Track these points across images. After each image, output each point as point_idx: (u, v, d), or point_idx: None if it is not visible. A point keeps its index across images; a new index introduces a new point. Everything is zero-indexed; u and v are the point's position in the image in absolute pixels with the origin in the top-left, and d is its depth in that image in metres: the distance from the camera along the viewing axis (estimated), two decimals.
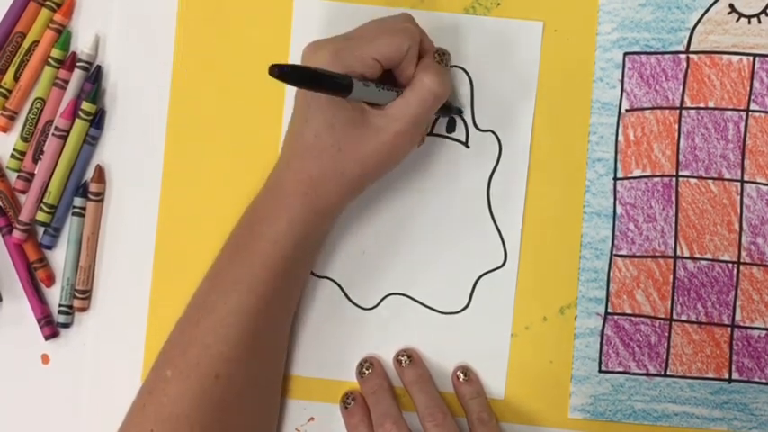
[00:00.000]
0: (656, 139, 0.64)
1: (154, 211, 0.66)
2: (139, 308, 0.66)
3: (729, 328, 0.64)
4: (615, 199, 0.65)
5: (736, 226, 0.64)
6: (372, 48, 0.57)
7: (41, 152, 0.66)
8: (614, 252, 0.65)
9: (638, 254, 0.65)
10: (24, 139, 0.66)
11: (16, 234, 0.66)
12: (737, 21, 0.64)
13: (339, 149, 0.57)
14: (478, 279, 0.65)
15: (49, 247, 0.67)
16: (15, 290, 0.67)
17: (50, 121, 0.66)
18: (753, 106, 0.64)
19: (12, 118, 0.67)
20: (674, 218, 0.64)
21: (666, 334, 0.65)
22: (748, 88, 0.64)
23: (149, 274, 0.66)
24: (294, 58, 0.65)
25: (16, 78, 0.66)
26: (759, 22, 0.64)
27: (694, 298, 0.64)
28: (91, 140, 0.66)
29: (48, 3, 0.66)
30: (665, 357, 0.64)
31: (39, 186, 0.66)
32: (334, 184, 0.58)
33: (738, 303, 0.64)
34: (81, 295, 0.66)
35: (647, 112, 0.64)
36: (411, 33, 0.58)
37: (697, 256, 0.64)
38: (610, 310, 0.65)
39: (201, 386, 0.57)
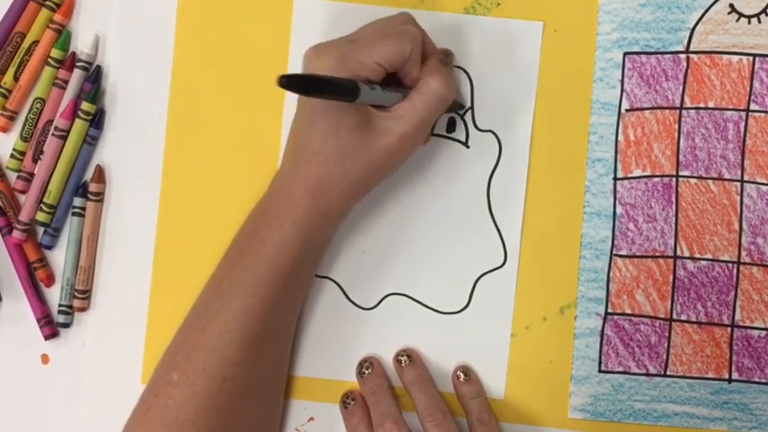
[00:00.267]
0: (656, 139, 0.64)
1: (154, 211, 0.66)
2: (139, 308, 0.66)
3: (729, 328, 0.64)
4: (615, 199, 0.65)
5: (736, 226, 0.64)
6: (375, 52, 0.57)
7: (41, 152, 0.66)
8: (614, 252, 0.65)
9: (638, 254, 0.65)
10: (24, 139, 0.66)
11: (16, 234, 0.66)
12: (737, 21, 0.64)
13: (345, 153, 0.57)
14: (478, 279, 0.65)
15: (49, 247, 0.67)
16: (15, 290, 0.67)
17: (50, 121, 0.66)
18: (753, 106, 0.64)
19: (12, 118, 0.67)
20: (674, 218, 0.64)
21: (666, 334, 0.65)
22: (748, 88, 0.64)
23: (149, 274, 0.66)
24: (294, 59, 0.65)
25: (16, 78, 0.66)
26: (759, 22, 0.64)
27: (694, 298, 0.64)
28: (91, 140, 0.66)
29: (48, 3, 0.66)
30: (665, 357, 0.65)
31: (39, 186, 0.66)
32: (341, 188, 0.58)
33: (738, 303, 0.64)
34: (81, 295, 0.66)
35: (647, 112, 0.64)
36: (412, 36, 0.58)
37: (697, 256, 0.64)
38: (610, 310, 0.65)
39: (208, 390, 0.57)
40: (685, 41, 0.64)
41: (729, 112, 0.64)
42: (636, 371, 0.65)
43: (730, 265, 0.64)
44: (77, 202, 0.66)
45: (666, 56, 0.64)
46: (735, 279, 0.64)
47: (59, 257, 0.67)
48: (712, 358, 0.64)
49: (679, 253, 0.64)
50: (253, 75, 0.65)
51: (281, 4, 0.65)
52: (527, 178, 0.65)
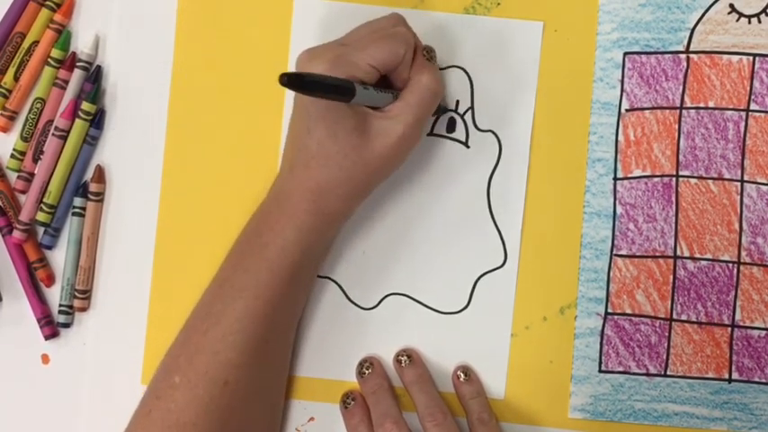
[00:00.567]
0: (656, 139, 0.64)
1: (154, 211, 0.66)
2: (139, 308, 0.66)
3: (729, 328, 0.64)
4: (615, 199, 0.65)
5: (736, 226, 0.64)
6: (368, 55, 0.57)
7: (41, 152, 0.66)
8: (614, 252, 0.65)
9: (638, 254, 0.65)
10: (24, 139, 0.66)
11: (16, 234, 0.66)
12: (737, 21, 0.64)
13: (344, 156, 0.57)
14: (478, 279, 0.65)
15: (49, 247, 0.67)
16: (15, 290, 0.67)
17: (50, 121, 0.66)
18: (753, 106, 0.64)
19: (12, 118, 0.67)
20: (674, 218, 0.64)
21: (666, 334, 0.65)
22: (748, 88, 0.64)
23: (149, 274, 0.66)
24: (294, 59, 0.65)
25: (16, 78, 0.66)
26: (759, 22, 0.64)
27: (694, 298, 0.64)
28: (91, 140, 0.66)
29: (48, 3, 0.66)
30: (665, 357, 0.64)
31: (39, 186, 0.66)
32: (341, 191, 0.58)
33: (738, 303, 0.64)
34: (81, 295, 0.66)
35: (647, 111, 0.64)
36: (405, 38, 0.58)
37: (697, 256, 0.64)
38: (610, 310, 0.65)
39: (210, 393, 0.57)
40: (685, 41, 0.64)
41: (729, 112, 0.64)
42: (636, 371, 0.65)
43: (730, 265, 0.64)
44: (77, 202, 0.66)
45: (666, 56, 0.64)
46: (735, 279, 0.64)
47: (59, 257, 0.67)
48: (712, 358, 0.64)
49: (679, 253, 0.64)
50: (253, 75, 0.65)
51: (281, 4, 0.65)
52: (527, 178, 0.65)
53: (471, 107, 0.65)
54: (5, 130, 0.67)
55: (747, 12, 0.64)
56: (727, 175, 0.64)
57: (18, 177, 0.67)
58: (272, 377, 0.62)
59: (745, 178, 0.64)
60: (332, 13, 0.65)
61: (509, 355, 0.65)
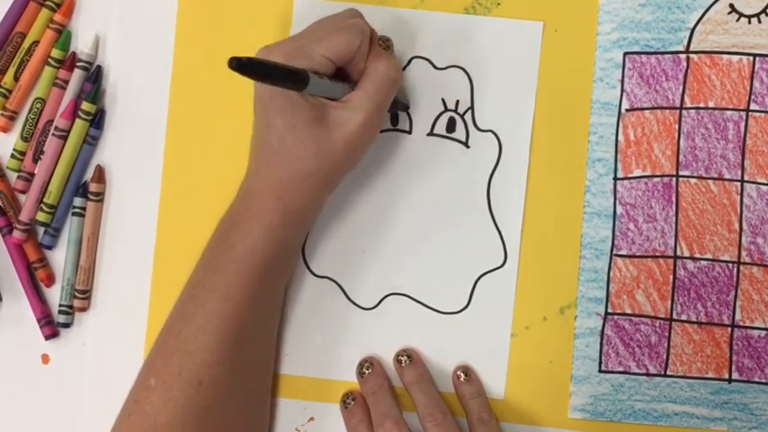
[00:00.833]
0: (656, 139, 0.64)
1: (154, 211, 0.66)
2: (139, 308, 0.66)
3: (729, 328, 0.64)
4: (615, 199, 0.65)
5: (736, 226, 0.64)
6: (323, 46, 0.57)
7: (41, 152, 0.66)
8: (614, 252, 0.65)
9: (638, 254, 0.65)
10: (24, 139, 0.66)
11: (16, 234, 0.66)
12: (737, 21, 0.64)
13: (305, 149, 0.57)
14: (478, 279, 0.65)
15: (49, 247, 0.67)
16: (15, 290, 0.67)
17: (50, 121, 0.66)
18: (753, 106, 0.64)
19: (12, 118, 0.67)
20: (674, 218, 0.64)
21: (666, 334, 0.65)
22: (748, 88, 0.64)
23: (149, 274, 0.66)
24: None
25: (16, 78, 0.66)
26: (759, 22, 0.64)
27: (694, 298, 0.64)
28: (91, 140, 0.66)
29: (48, 3, 0.66)
30: (665, 357, 0.64)
31: (39, 186, 0.66)
32: (306, 185, 0.58)
33: (738, 303, 0.64)
34: (81, 295, 0.66)
35: (647, 111, 0.64)
36: (361, 29, 0.58)
37: (697, 256, 0.64)
38: (610, 310, 0.65)
39: (184, 394, 0.57)
40: (685, 41, 0.64)
41: (729, 112, 0.64)
42: (636, 371, 0.65)
43: (730, 265, 0.64)
44: (77, 202, 0.66)
45: (666, 56, 0.64)
46: (735, 279, 0.64)
47: (59, 257, 0.67)
48: (712, 358, 0.64)
49: (679, 253, 0.64)
50: None
51: (281, 4, 0.65)
52: (527, 178, 0.65)
53: (471, 107, 0.65)
54: (5, 130, 0.67)
55: (747, 12, 0.64)
56: (727, 175, 0.64)
57: (18, 177, 0.67)
58: (251, 377, 0.61)
59: (745, 178, 0.64)
60: (332, 13, 0.65)
61: (509, 355, 0.65)
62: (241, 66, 0.50)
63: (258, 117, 0.59)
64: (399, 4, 0.64)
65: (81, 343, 0.67)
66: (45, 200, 0.66)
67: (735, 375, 0.64)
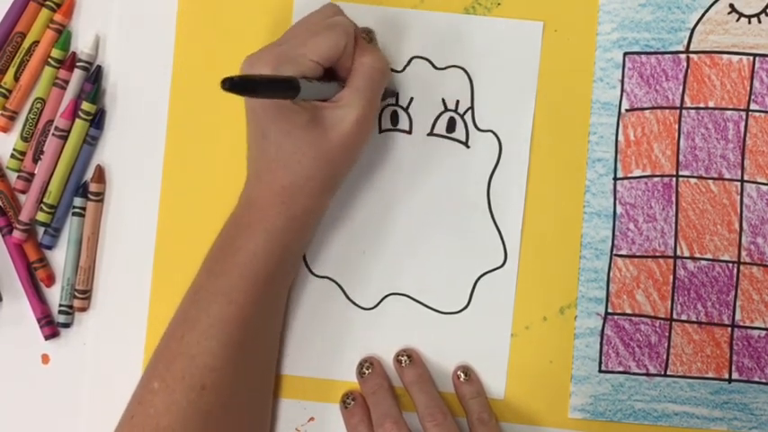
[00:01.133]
0: (656, 139, 0.64)
1: (154, 211, 0.66)
2: (139, 308, 0.66)
3: (729, 328, 0.64)
4: (615, 199, 0.65)
5: (737, 226, 0.64)
6: (309, 50, 0.57)
7: (41, 152, 0.66)
8: (614, 252, 0.65)
9: (638, 254, 0.65)
10: (24, 139, 0.66)
11: (16, 234, 0.66)
12: (737, 21, 0.64)
13: (304, 153, 0.57)
14: (478, 279, 0.65)
15: (49, 247, 0.67)
16: (15, 290, 0.67)
17: (50, 121, 0.66)
18: (753, 106, 0.64)
19: (12, 118, 0.67)
20: (674, 218, 0.64)
21: (666, 334, 0.65)
22: (748, 88, 0.64)
23: (149, 274, 0.66)
24: None
25: (16, 78, 0.66)
26: (759, 22, 0.64)
27: (694, 298, 0.64)
28: (91, 140, 0.66)
29: (48, 3, 0.66)
30: (665, 357, 0.64)
31: (39, 186, 0.66)
32: (308, 189, 0.58)
33: (738, 303, 0.64)
34: (81, 295, 0.66)
35: (647, 111, 0.64)
36: (345, 27, 0.58)
37: (697, 256, 0.64)
38: (610, 310, 0.65)
39: (187, 398, 0.57)
40: (685, 41, 0.64)
41: (729, 112, 0.64)
42: (636, 371, 0.65)
43: (730, 265, 0.64)
44: (77, 202, 0.66)
45: (666, 56, 0.64)
46: (735, 279, 0.64)
47: (59, 257, 0.67)
48: (712, 358, 0.64)
49: (679, 253, 0.64)
50: None
51: (281, 3, 0.65)
52: (527, 178, 0.65)
53: (471, 107, 0.65)
54: (5, 130, 0.67)
55: (747, 12, 0.64)
56: (727, 175, 0.64)
57: (18, 177, 0.67)
58: (255, 382, 0.61)
59: (745, 178, 0.64)
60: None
61: (509, 355, 0.65)
62: (234, 85, 0.50)
63: (252, 126, 0.59)
64: (399, 4, 0.64)
65: (81, 343, 0.67)
66: (45, 200, 0.66)
67: (735, 375, 0.64)
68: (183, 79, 0.66)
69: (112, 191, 0.67)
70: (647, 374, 0.65)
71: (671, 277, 0.64)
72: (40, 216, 0.66)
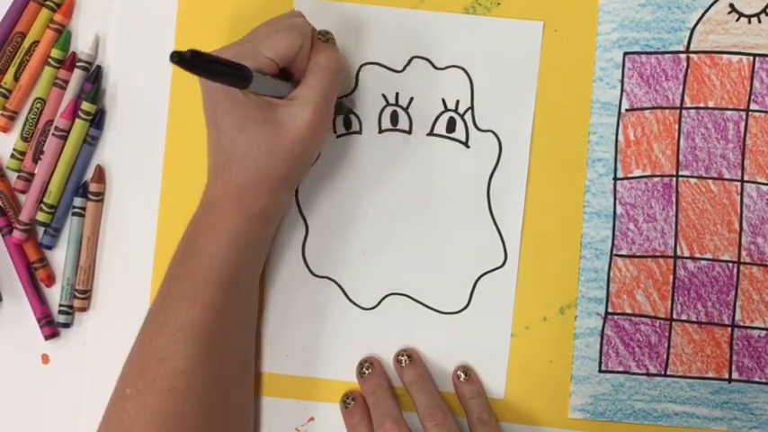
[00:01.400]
0: (656, 139, 0.64)
1: (154, 211, 0.66)
2: (139, 308, 0.66)
3: (729, 328, 0.64)
4: (615, 199, 0.65)
5: (736, 226, 0.64)
6: (265, 47, 0.57)
7: (41, 152, 0.66)
8: (614, 252, 0.65)
9: (638, 254, 0.65)
10: (24, 139, 0.66)
11: (16, 234, 0.66)
12: (737, 20, 0.64)
13: (258, 149, 0.57)
14: (478, 279, 0.65)
15: (49, 247, 0.67)
16: (15, 290, 0.67)
17: (50, 121, 0.66)
18: (753, 106, 0.64)
19: (12, 118, 0.67)
20: (674, 218, 0.64)
21: (666, 334, 0.65)
22: (748, 88, 0.64)
23: (149, 274, 0.66)
24: None
25: (16, 78, 0.66)
26: (759, 21, 0.64)
27: (694, 298, 0.64)
28: (91, 140, 0.66)
29: (48, 3, 0.66)
30: (665, 357, 0.64)
31: (39, 186, 0.66)
32: (264, 186, 0.58)
33: (738, 303, 0.64)
34: (81, 295, 0.66)
35: (647, 111, 0.64)
36: (302, 29, 0.59)
37: (697, 255, 0.64)
38: (610, 310, 0.65)
39: (159, 401, 0.57)
40: (685, 41, 0.64)
41: (729, 112, 0.64)
42: (636, 371, 0.65)
43: (730, 264, 0.64)
44: (77, 202, 0.66)
45: (666, 56, 0.64)
46: (735, 279, 0.64)
47: (60, 257, 0.67)
48: (712, 358, 0.64)
49: (679, 253, 0.64)
50: None
51: (281, 4, 0.65)
52: (527, 178, 0.65)
53: (471, 107, 0.65)
54: (5, 130, 0.67)
55: (747, 12, 0.64)
56: (727, 175, 0.64)
57: (18, 177, 0.67)
58: (227, 381, 0.61)
59: (745, 178, 0.64)
60: (332, 13, 0.65)
61: (509, 355, 0.65)
62: (182, 60, 0.49)
63: (208, 121, 0.59)
64: (399, 4, 0.64)
65: (81, 343, 0.67)
66: (45, 200, 0.66)
67: (735, 375, 0.64)
68: (182, 79, 0.66)
69: (112, 191, 0.67)
70: (647, 374, 0.65)
71: (671, 277, 0.64)
72: (40, 216, 0.66)
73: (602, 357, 0.65)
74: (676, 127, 0.64)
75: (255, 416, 0.65)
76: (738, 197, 0.64)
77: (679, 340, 0.64)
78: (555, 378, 0.65)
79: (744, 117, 0.64)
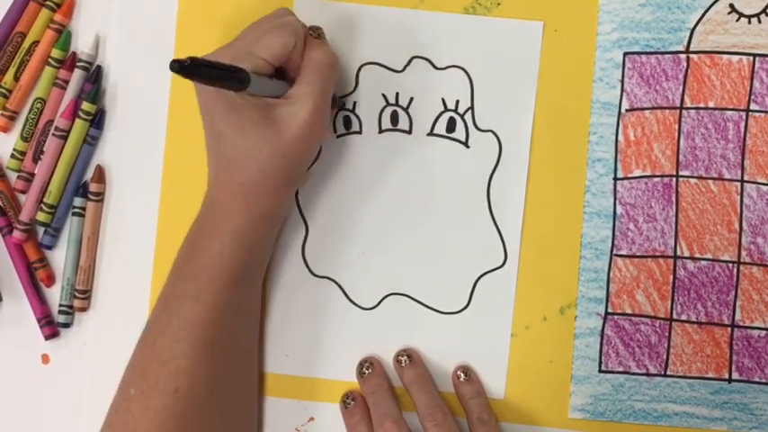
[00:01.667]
0: (656, 139, 0.64)
1: (154, 211, 0.66)
2: (139, 308, 0.66)
3: (729, 328, 0.64)
4: (615, 199, 0.65)
5: (736, 226, 0.64)
6: (260, 48, 0.57)
7: (41, 152, 0.66)
8: (614, 252, 0.65)
9: (638, 254, 0.65)
10: (24, 139, 0.66)
11: (16, 234, 0.66)
12: (737, 21, 0.64)
13: (259, 150, 0.57)
14: (478, 279, 0.65)
15: (49, 247, 0.67)
16: (15, 290, 0.67)
17: (50, 121, 0.66)
18: (753, 106, 0.64)
19: (12, 118, 0.67)
20: (674, 218, 0.64)
21: (666, 334, 0.65)
22: (748, 88, 0.64)
23: (149, 274, 0.66)
24: None
25: (16, 78, 0.66)
26: (759, 22, 0.64)
27: (694, 298, 0.64)
28: (91, 140, 0.66)
29: (48, 3, 0.66)
30: (665, 357, 0.64)
31: (39, 186, 0.66)
32: (266, 186, 0.58)
33: (738, 303, 0.64)
34: (81, 295, 0.66)
35: (647, 111, 0.64)
36: (294, 28, 0.59)
37: (697, 256, 0.64)
38: (610, 310, 0.65)
39: (162, 402, 0.57)
40: (685, 41, 0.64)
41: (729, 112, 0.64)
42: (636, 371, 0.65)
43: (730, 264, 0.64)
44: (77, 202, 0.66)
45: (666, 56, 0.64)
46: (735, 279, 0.64)
47: (60, 257, 0.67)
48: (712, 358, 0.64)
49: (679, 253, 0.64)
50: None
51: (281, 4, 0.65)
52: (527, 178, 0.65)
53: (471, 107, 0.65)
54: (5, 130, 0.67)
55: (747, 12, 0.64)
56: (727, 175, 0.64)
57: (18, 177, 0.67)
58: (231, 382, 0.61)
59: (745, 178, 0.64)
60: (332, 13, 0.65)
61: (509, 355, 0.65)
62: (183, 68, 0.49)
63: (207, 127, 0.59)
64: (399, 4, 0.64)
65: (81, 343, 0.67)
66: (45, 200, 0.66)
67: (735, 375, 0.64)
68: (182, 79, 0.66)
69: (112, 191, 0.67)
70: (647, 374, 0.65)
71: (671, 277, 0.64)
72: (40, 216, 0.66)
73: (602, 357, 0.65)
74: (676, 127, 0.64)
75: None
76: (738, 197, 0.64)
77: (679, 340, 0.64)
78: (555, 378, 0.65)
79: (744, 117, 0.64)
